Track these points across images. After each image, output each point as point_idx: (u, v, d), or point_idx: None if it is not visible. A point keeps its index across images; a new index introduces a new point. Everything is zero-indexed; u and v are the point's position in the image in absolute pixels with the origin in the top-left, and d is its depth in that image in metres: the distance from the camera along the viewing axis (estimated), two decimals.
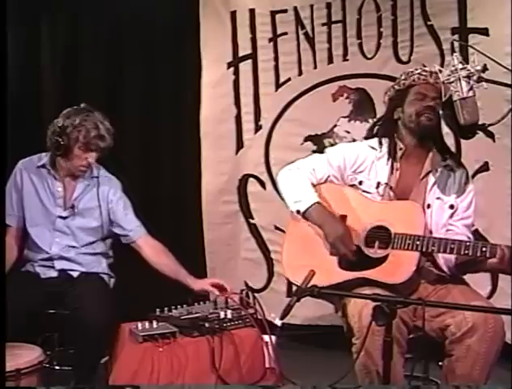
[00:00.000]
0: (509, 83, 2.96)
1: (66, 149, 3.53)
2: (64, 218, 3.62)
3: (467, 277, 3.14)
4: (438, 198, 3.12)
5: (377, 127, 3.32)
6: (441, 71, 2.91)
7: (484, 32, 4.14)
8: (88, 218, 3.64)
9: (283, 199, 3.28)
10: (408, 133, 3.16)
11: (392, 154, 3.16)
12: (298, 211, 3.16)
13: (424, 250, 2.91)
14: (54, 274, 3.58)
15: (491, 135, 4.10)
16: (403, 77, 3.19)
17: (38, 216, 3.63)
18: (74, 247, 3.61)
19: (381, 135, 3.24)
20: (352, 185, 3.21)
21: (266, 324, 3.30)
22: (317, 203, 3.13)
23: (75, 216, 3.62)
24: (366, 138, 3.34)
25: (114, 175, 3.77)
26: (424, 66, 3.21)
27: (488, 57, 2.87)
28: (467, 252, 2.83)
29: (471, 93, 2.79)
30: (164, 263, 3.62)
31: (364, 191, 3.17)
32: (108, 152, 3.61)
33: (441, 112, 3.06)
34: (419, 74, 3.13)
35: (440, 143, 3.19)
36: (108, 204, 3.66)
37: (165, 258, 3.64)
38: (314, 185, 3.22)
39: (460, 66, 2.81)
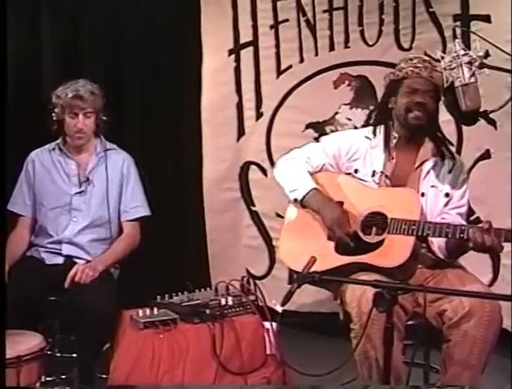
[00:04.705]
0: (511, 69, 2.95)
1: (60, 123, 3.60)
2: (80, 193, 3.64)
3: (468, 265, 3.14)
4: (433, 186, 3.13)
5: (374, 114, 3.35)
6: (443, 58, 2.90)
7: (486, 18, 4.12)
8: (103, 191, 3.64)
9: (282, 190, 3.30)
10: (399, 125, 3.18)
11: (388, 142, 3.18)
12: (296, 200, 3.18)
13: (419, 234, 2.92)
14: (60, 260, 3.59)
15: (492, 122, 4.09)
16: (399, 66, 3.19)
17: (54, 200, 3.65)
18: (88, 228, 3.61)
19: (377, 123, 3.26)
20: (348, 174, 3.23)
21: (267, 311, 3.31)
22: (314, 189, 3.15)
23: (92, 190, 3.64)
24: (364, 125, 3.35)
25: None
26: (422, 57, 3.20)
27: (490, 43, 2.86)
28: (462, 235, 2.83)
29: (472, 79, 2.79)
30: None
31: (360, 179, 3.19)
32: (105, 117, 3.68)
33: (435, 104, 3.09)
34: (414, 66, 3.12)
35: (434, 133, 3.20)
36: (122, 178, 3.69)
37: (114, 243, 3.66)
38: (311, 174, 3.24)
39: (462, 52, 2.82)
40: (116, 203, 3.67)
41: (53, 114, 3.60)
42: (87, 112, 3.59)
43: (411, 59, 3.16)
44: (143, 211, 3.74)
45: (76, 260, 3.57)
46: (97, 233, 3.65)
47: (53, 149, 3.72)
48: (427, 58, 3.19)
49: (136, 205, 3.71)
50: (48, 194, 3.66)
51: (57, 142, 3.73)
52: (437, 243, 3.06)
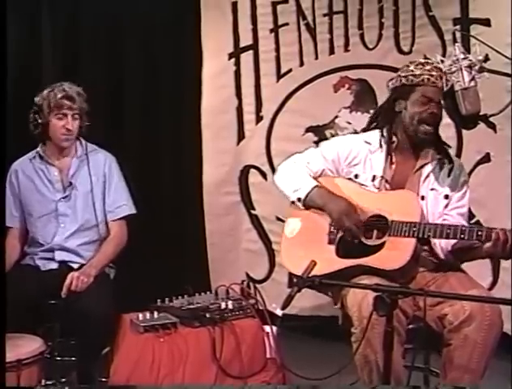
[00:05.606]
0: (510, 73, 2.96)
1: (44, 125, 3.56)
2: (65, 198, 3.61)
3: (468, 269, 3.14)
4: (432, 189, 3.13)
5: (375, 116, 3.33)
6: (443, 62, 2.90)
7: (486, 22, 4.11)
8: (87, 194, 3.62)
9: (283, 193, 3.28)
10: (404, 131, 3.16)
11: (386, 146, 3.17)
12: (299, 199, 3.17)
13: (420, 236, 2.92)
14: (54, 266, 3.57)
15: (492, 126, 4.09)
16: (409, 70, 3.11)
17: (40, 208, 3.62)
18: (77, 232, 3.59)
19: (378, 125, 3.24)
20: (349, 179, 3.22)
21: (267, 315, 3.31)
22: (317, 186, 3.15)
23: (76, 194, 3.61)
24: (365, 129, 3.34)
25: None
26: (435, 64, 3.09)
27: (490, 47, 2.86)
28: (462, 236, 2.83)
29: (472, 83, 2.79)
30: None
31: (360, 184, 3.19)
32: (88, 118, 3.65)
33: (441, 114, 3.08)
34: (429, 74, 3.05)
35: (436, 138, 3.19)
36: (104, 178, 3.66)
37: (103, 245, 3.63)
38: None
39: (462, 55, 2.82)
40: (101, 203, 3.64)
41: (37, 117, 3.55)
42: (74, 113, 3.56)
43: (422, 64, 3.10)
44: (128, 209, 3.71)
45: (70, 264, 3.56)
46: (87, 237, 3.62)
47: (34, 157, 3.68)
48: (438, 65, 3.07)
49: (121, 204, 3.68)
50: (34, 203, 3.64)
51: (36, 150, 3.69)
52: (442, 244, 3.04)
